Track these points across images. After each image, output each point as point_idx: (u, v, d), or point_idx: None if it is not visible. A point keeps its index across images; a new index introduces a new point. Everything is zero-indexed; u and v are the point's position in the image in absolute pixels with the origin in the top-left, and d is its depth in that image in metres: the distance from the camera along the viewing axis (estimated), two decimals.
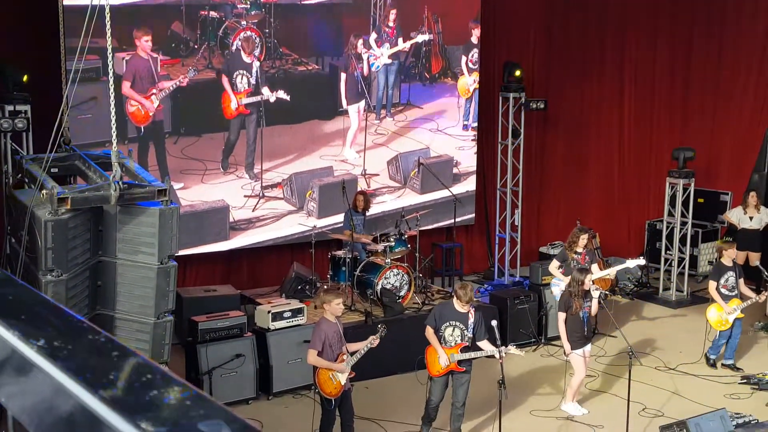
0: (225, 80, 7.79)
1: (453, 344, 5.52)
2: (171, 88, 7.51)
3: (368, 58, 8.59)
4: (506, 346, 5.56)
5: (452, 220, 8.85)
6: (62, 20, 6.01)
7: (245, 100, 7.91)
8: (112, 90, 4.42)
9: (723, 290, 7.06)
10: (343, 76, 8.47)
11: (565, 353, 6.21)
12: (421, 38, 8.87)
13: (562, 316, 6.12)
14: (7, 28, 6.86)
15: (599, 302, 6.15)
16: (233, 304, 7.05)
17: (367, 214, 7.96)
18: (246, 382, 6.25)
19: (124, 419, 0.64)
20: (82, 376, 0.69)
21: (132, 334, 4.66)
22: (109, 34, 4.28)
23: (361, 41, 8.51)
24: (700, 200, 9.55)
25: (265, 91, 7.99)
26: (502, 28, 9.56)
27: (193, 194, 7.74)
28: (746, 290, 7.13)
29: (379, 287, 7.09)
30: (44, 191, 4.31)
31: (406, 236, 7.66)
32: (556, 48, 9.87)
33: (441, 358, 5.48)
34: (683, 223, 9.02)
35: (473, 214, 9.44)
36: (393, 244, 7.44)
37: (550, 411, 6.24)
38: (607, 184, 10.48)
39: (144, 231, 4.57)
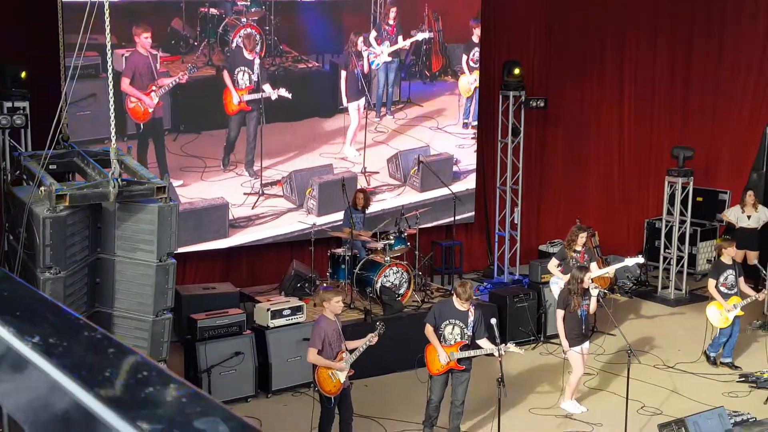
0: (226, 76, 7.78)
1: (453, 342, 5.52)
2: (170, 85, 7.50)
3: (368, 55, 8.58)
4: (505, 344, 5.56)
5: (452, 218, 8.84)
6: (61, 17, 5.99)
7: (246, 97, 7.91)
8: (111, 87, 4.41)
9: (722, 288, 7.06)
10: (343, 73, 8.46)
11: (563, 351, 6.22)
12: (421, 36, 8.86)
13: (560, 313, 6.13)
14: (6, 26, 6.84)
15: (598, 301, 6.15)
16: (232, 301, 7.05)
17: (367, 212, 7.96)
18: (245, 380, 6.25)
19: (120, 417, 0.64)
20: (77, 373, 0.69)
21: (130, 331, 4.66)
22: (108, 30, 4.27)
23: (361, 39, 8.50)
24: (699, 199, 9.56)
25: (267, 88, 7.99)
26: (502, 27, 9.56)
27: (193, 191, 7.73)
28: (746, 288, 7.13)
29: (378, 285, 7.09)
30: (42, 188, 4.30)
31: (405, 234, 7.66)
32: (556, 47, 9.86)
33: (441, 356, 5.48)
34: (682, 222, 9.02)
35: (473, 212, 9.44)
36: (392, 242, 7.43)
37: (549, 409, 6.24)
38: (607, 182, 10.48)
39: (143, 228, 4.57)
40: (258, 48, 7.91)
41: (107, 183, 4.29)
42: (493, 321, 5.47)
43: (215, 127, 7.84)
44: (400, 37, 8.75)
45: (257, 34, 7.92)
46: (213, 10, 7.68)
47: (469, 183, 9.34)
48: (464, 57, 9.15)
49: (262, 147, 8.06)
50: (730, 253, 7.11)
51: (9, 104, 6.29)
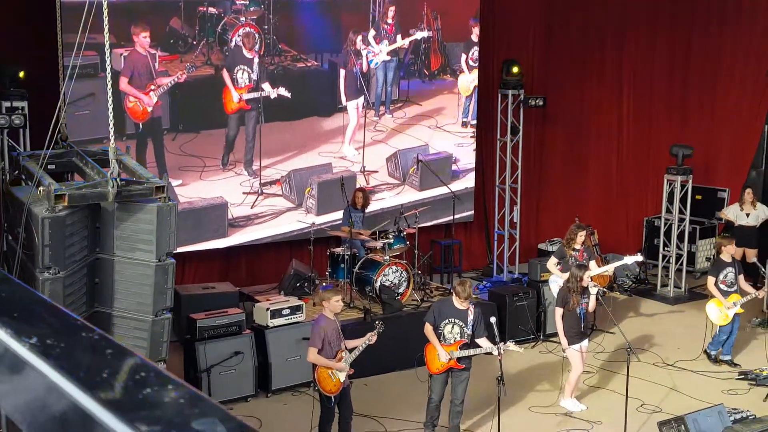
0: (226, 75, 7.78)
1: (452, 341, 5.52)
2: (169, 84, 7.49)
3: (367, 54, 8.57)
4: (505, 343, 5.57)
5: (451, 217, 8.84)
6: (59, 16, 5.99)
7: (246, 96, 7.90)
8: (109, 86, 4.40)
9: (722, 286, 7.07)
10: (342, 72, 8.46)
11: (562, 349, 6.23)
12: (420, 35, 8.85)
13: (559, 311, 6.13)
14: (4, 25, 6.83)
15: (597, 299, 6.15)
16: (232, 301, 7.04)
17: (366, 211, 7.96)
18: (245, 380, 6.25)
19: (118, 418, 0.64)
20: (75, 374, 0.69)
21: (130, 331, 4.66)
22: (106, 30, 4.26)
23: (360, 37, 8.50)
24: (698, 197, 9.57)
25: (266, 87, 7.98)
26: (501, 26, 9.55)
27: (192, 191, 7.73)
28: (746, 286, 7.14)
29: (377, 284, 7.09)
30: (41, 188, 4.30)
31: (404, 233, 7.66)
32: (555, 46, 9.86)
33: (441, 354, 5.48)
34: (681, 220, 9.03)
35: (472, 211, 9.44)
36: (392, 241, 7.43)
37: (548, 407, 6.25)
38: (606, 181, 10.49)
39: (142, 228, 4.56)
40: (257, 47, 7.91)
41: (106, 183, 4.29)
42: (493, 320, 5.47)
43: (214, 126, 7.83)
44: (398, 36, 8.74)
45: (256, 33, 7.91)
46: (212, 9, 7.68)
47: (468, 182, 9.33)
48: (464, 56, 9.15)
49: (261, 146, 8.06)
50: (730, 251, 7.11)
51: (7, 104, 6.28)
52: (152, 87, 7.42)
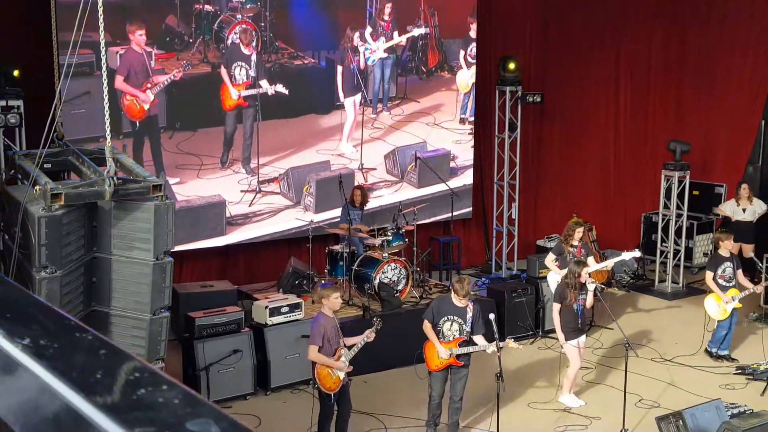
0: (224, 72, 7.76)
1: (451, 339, 5.52)
2: (165, 82, 7.47)
3: (364, 51, 8.56)
4: (503, 340, 5.57)
5: (449, 214, 8.84)
6: (54, 14, 5.96)
7: (244, 92, 7.89)
8: (105, 85, 4.39)
9: (720, 281, 7.08)
10: (339, 69, 8.44)
11: (560, 345, 6.23)
12: (417, 32, 8.84)
13: (556, 307, 6.14)
14: (4, 26, 6.80)
15: (595, 295, 6.16)
16: (230, 299, 7.04)
17: (365, 208, 7.95)
18: (244, 378, 6.25)
19: (111, 419, 0.63)
20: (68, 375, 0.68)
21: (128, 330, 4.65)
22: (102, 28, 4.25)
23: (357, 34, 8.48)
24: (695, 192, 9.57)
25: (264, 83, 7.96)
26: (498, 22, 9.54)
27: (189, 189, 7.71)
28: (744, 281, 7.15)
29: (376, 281, 7.09)
30: (37, 187, 4.28)
31: (403, 230, 7.65)
32: (552, 42, 9.86)
33: (440, 351, 5.48)
34: (678, 216, 9.04)
35: (470, 208, 9.44)
36: (390, 238, 7.43)
37: (547, 403, 6.26)
38: (603, 177, 10.49)
39: (139, 227, 4.55)
40: (255, 43, 7.88)
41: (103, 181, 4.28)
42: (492, 316, 5.47)
43: (211, 124, 7.81)
44: (395, 33, 8.73)
45: (252, 30, 7.89)
46: (208, 7, 7.65)
47: (466, 179, 9.33)
48: (462, 52, 9.13)
49: (258, 144, 8.04)
50: (728, 246, 7.12)
51: (3, 103, 6.26)
52: (148, 85, 7.40)
